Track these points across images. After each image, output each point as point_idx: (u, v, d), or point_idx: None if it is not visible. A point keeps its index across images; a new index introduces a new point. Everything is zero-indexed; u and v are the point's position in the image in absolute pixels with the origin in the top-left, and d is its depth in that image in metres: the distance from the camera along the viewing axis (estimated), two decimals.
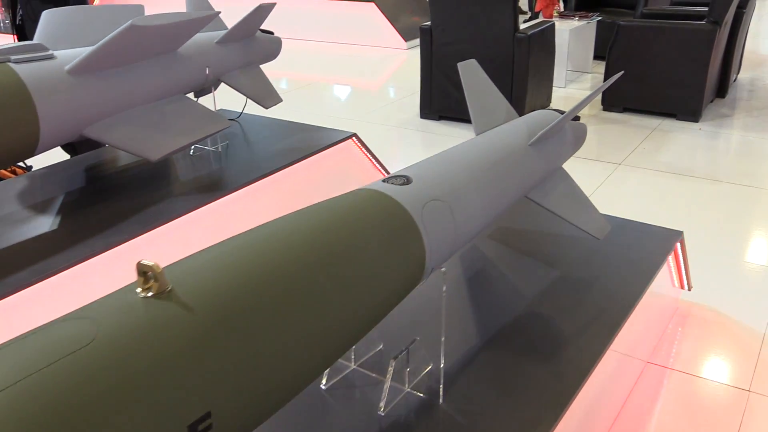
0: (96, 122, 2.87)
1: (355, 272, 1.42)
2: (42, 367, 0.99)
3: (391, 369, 1.73)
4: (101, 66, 2.83)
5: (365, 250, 1.46)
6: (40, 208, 2.94)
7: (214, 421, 1.12)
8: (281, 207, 3.49)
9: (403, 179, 1.70)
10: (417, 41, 8.49)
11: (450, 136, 5.38)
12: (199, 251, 1.35)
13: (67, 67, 2.75)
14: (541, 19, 6.95)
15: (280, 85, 7.08)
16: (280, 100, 3.68)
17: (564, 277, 2.33)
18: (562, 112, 2.38)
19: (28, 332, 1.10)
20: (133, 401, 1.03)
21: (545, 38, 5.51)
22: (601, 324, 2.09)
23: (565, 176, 2.34)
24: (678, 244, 2.69)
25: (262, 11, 3.50)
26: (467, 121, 5.65)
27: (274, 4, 3.57)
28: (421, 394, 1.79)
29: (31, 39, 2.95)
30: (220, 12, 3.23)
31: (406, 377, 1.79)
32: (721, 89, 6.26)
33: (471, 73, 2.35)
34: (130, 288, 1.18)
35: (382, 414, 1.72)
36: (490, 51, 5.29)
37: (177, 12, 3.13)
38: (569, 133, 2.36)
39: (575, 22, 6.75)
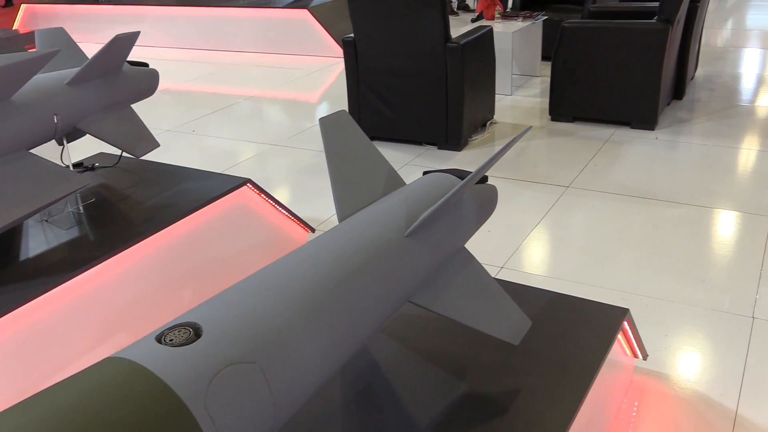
0: None
1: None
2: None
3: None
4: None
5: None
6: None
7: None
8: (165, 278, 2.95)
9: (188, 331, 1.14)
10: None
11: (385, 156, 4.82)
12: None
13: None
14: (482, 21, 6.43)
15: (203, 103, 6.47)
16: (156, 146, 3.09)
17: (478, 393, 1.79)
18: (461, 175, 1.84)
19: None
20: None
21: (482, 45, 4.96)
22: None
23: (466, 262, 1.78)
24: (625, 322, 2.16)
25: (122, 41, 2.92)
26: (401, 140, 5.13)
27: (136, 33, 2.99)
28: None
29: None
30: (59, 50, 2.64)
31: None
32: (678, 90, 5.78)
33: (337, 132, 1.78)
34: None
35: None
36: (420, 63, 4.74)
37: (15, 54, 2.54)
38: (470, 204, 1.81)
39: (519, 23, 6.23)
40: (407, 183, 1.88)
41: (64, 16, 9.87)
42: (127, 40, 2.94)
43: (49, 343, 2.49)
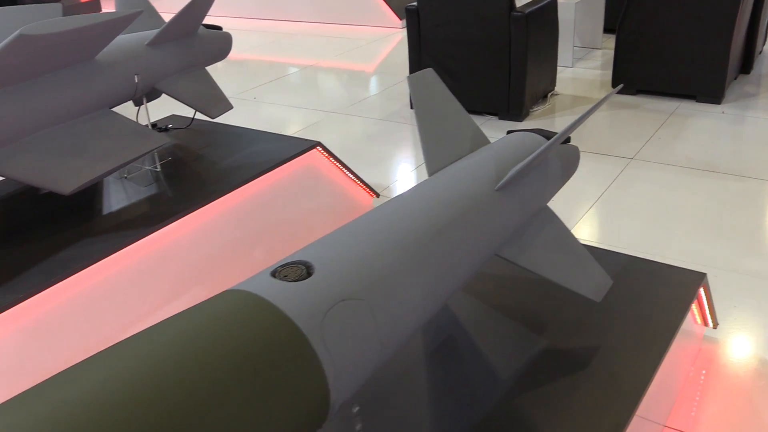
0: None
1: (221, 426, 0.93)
2: None
3: None
4: None
5: (218, 404, 0.96)
6: None
7: None
8: (237, 237, 3.03)
9: (299, 269, 1.20)
10: None
11: None
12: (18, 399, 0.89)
13: None
14: None
15: (263, 71, 6.55)
16: (230, 107, 3.17)
17: (556, 349, 1.82)
18: (547, 135, 1.86)
19: None
20: None
21: (546, 15, 4.93)
22: (612, 413, 1.60)
23: (549, 219, 1.81)
24: (701, 289, 2.17)
25: (199, 4, 2.98)
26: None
27: None
28: None
29: None
30: (141, 11, 2.71)
31: None
32: (746, 64, 5.65)
33: (423, 88, 1.81)
34: None
35: None
36: (484, 32, 4.73)
37: (88, 15, 2.62)
38: (555, 163, 1.83)
39: None
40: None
41: None
42: (204, 2, 3.01)
43: (131, 293, 2.60)
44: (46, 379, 0.97)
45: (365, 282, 1.22)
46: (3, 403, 0.88)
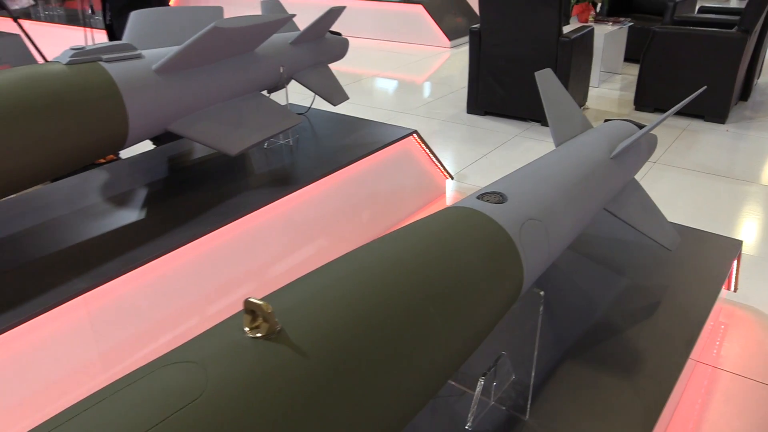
0: (180, 118, 2.65)
1: (461, 299, 1.18)
2: (151, 427, 0.78)
3: (480, 384, 1.50)
4: (185, 65, 2.61)
5: (469, 275, 1.22)
6: (127, 197, 2.75)
7: None
8: (350, 201, 3.28)
9: (498, 197, 1.45)
10: (460, 40, 8.18)
11: (495, 130, 5.08)
12: (300, 280, 1.12)
13: (154, 66, 2.53)
14: (578, 24, 6.58)
15: (339, 78, 6.80)
16: (347, 98, 3.43)
17: (635, 286, 2.07)
18: (637, 124, 2.11)
19: (131, 376, 0.88)
20: None
21: (585, 42, 5.16)
22: (677, 337, 1.83)
23: (638, 186, 2.06)
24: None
25: (333, 14, 3.24)
26: (510, 116, 5.36)
27: (343, 8, 3.31)
28: (506, 408, 1.56)
29: (119, 39, 2.72)
30: (294, 15, 2.98)
31: (492, 391, 1.56)
32: (745, 92, 5.85)
33: (547, 82, 2.07)
34: (235, 325, 0.96)
35: (469, 428, 1.50)
36: (535, 53, 4.96)
37: (255, 15, 2.89)
38: (644, 144, 2.08)
39: (609, 27, 6.36)
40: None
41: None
42: (337, 12, 3.26)
43: (279, 235, 2.85)
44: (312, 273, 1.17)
45: (541, 209, 1.48)
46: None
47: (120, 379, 0.87)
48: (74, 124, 2.23)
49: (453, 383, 1.62)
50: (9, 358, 1.96)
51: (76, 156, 2.30)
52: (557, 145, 1.95)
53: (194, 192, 2.78)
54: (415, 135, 3.49)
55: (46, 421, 0.80)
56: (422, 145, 3.57)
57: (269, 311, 0.92)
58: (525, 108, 5.20)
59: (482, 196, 1.45)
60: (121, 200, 2.71)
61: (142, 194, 2.77)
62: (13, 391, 1.98)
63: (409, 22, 8.27)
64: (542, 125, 5.17)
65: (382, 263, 1.13)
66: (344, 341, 0.97)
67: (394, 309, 1.06)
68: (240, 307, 2.77)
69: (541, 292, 1.45)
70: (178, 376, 0.85)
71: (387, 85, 6.72)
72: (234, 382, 0.85)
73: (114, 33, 3.95)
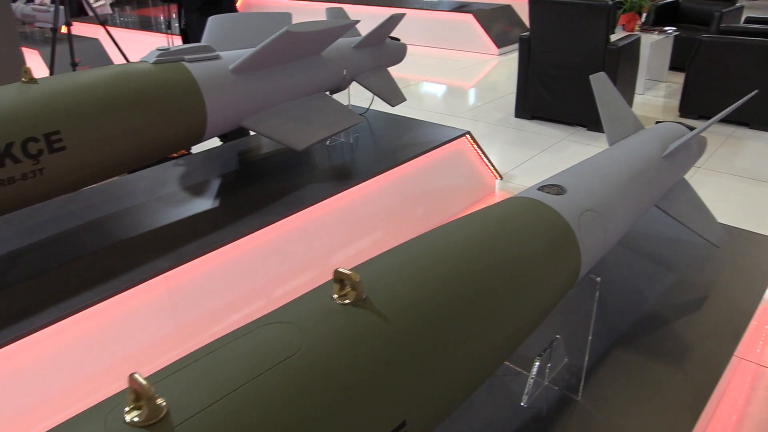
0: (252, 115, 2.75)
1: (525, 282, 1.23)
2: (256, 376, 0.85)
3: (536, 365, 1.53)
4: (259, 66, 2.70)
5: (532, 260, 1.26)
6: (202, 187, 2.86)
7: (408, 429, 0.96)
8: (404, 197, 3.33)
9: (557, 188, 1.49)
10: (508, 48, 8.16)
11: (542, 134, 5.08)
12: (381, 255, 1.18)
13: (230, 67, 2.63)
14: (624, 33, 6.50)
15: None
16: (404, 99, 3.49)
17: (682, 282, 2.07)
18: (687, 126, 2.11)
19: (235, 333, 0.96)
20: (336, 413, 0.87)
21: (632, 50, 5.11)
22: (723, 332, 1.84)
23: (688, 186, 2.07)
24: None
25: (393, 21, 3.31)
26: (557, 121, 5.34)
27: (404, 15, 3.37)
28: (559, 389, 1.59)
29: (192, 42, 2.83)
30: (358, 21, 3.05)
31: (546, 372, 1.60)
32: None
33: (601, 85, 2.09)
34: (325, 293, 1.03)
35: (525, 405, 1.54)
36: (583, 60, 4.94)
37: (323, 20, 2.97)
38: (694, 145, 2.08)
39: (655, 36, 6.27)
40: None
41: (274, 7, 10.49)
42: (397, 18, 3.33)
43: (329, 233, 2.93)
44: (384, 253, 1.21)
45: (598, 201, 1.51)
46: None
47: (225, 335, 0.95)
48: (159, 117, 2.34)
49: (508, 364, 1.65)
50: (100, 327, 2.08)
51: (160, 147, 2.41)
52: (610, 144, 1.97)
53: (262, 184, 2.88)
54: (467, 136, 3.53)
55: (164, 368, 0.88)
56: (474, 145, 3.60)
57: (357, 280, 0.98)
58: (571, 113, 5.18)
59: (542, 188, 1.49)
60: (196, 190, 2.82)
61: (215, 185, 2.88)
62: (103, 357, 2.10)
63: (459, 29, 8.29)
64: (588, 130, 5.14)
65: (455, 244, 1.18)
66: (422, 311, 1.02)
67: (467, 286, 1.11)
68: (298, 294, 2.85)
69: (598, 278, 1.49)
70: (277, 334, 0.92)
71: (436, 90, 6.76)
72: (326, 342, 0.92)
73: (188, 37, 4.10)
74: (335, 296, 1.00)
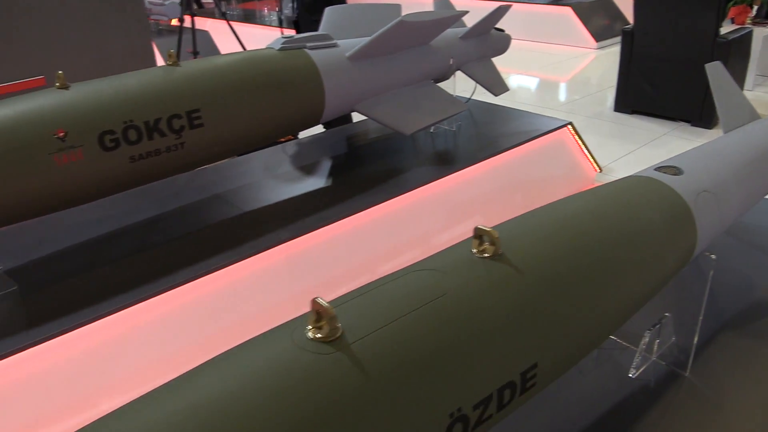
0: (365, 100, 2.91)
1: (643, 253, 1.30)
2: (411, 311, 0.98)
3: (645, 339, 1.60)
4: (374, 54, 2.85)
5: (651, 233, 1.34)
6: (312, 168, 3.05)
7: (538, 371, 1.07)
8: (504, 185, 3.41)
9: (674, 169, 1.55)
10: (606, 42, 8.01)
11: (642, 128, 5.00)
12: (515, 219, 1.29)
13: (347, 54, 2.80)
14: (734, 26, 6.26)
15: None
16: (508, 89, 3.56)
17: None
18: None
19: (387, 278, 1.09)
20: (478, 349, 0.99)
21: (743, 44, 4.95)
22: None
23: None
24: None
25: (500, 12, 3.38)
26: (659, 116, 5.24)
27: (510, 6, 3.44)
28: (666, 364, 1.65)
29: (304, 32, 2.98)
30: (467, 12, 3.15)
31: (654, 347, 1.66)
32: None
33: (717, 74, 2.11)
34: (465, 247, 1.15)
35: (633, 377, 1.61)
36: (689, 53, 4.82)
37: (433, 11, 3.08)
38: None
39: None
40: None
41: None
42: (504, 10, 3.40)
43: (431, 215, 3.05)
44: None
45: (714, 183, 1.56)
46: None
47: (379, 279, 1.08)
48: (284, 99, 2.54)
49: (614, 338, 1.72)
50: (230, 285, 2.29)
51: (283, 127, 2.61)
52: (725, 131, 1.99)
53: (368, 167, 3.03)
54: (569, 126, 3.56)
55: (332, 300, 1.02)
56: (575, 136, 3.63)
57: (496, 236, 1.10)
58: (675, 108, 5.07)
59: (659, 168, 1.55)
60: (308, 170, 3.01)
61: (325, 166, 3.06)
62: (236, 311, 2.31)
63: (557, 23, 8.21)
64: (692, 125, 5.02)
65: (580, 212, 1.28)
66: (551, 268, 1.13)
67: (591, 252, 1.20)
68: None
69: (713, 256, 1.53)
70: (426, 279, 1.04)
71: (530, 83, 6.75)
72: (469, 288, 1.04)
73: (300, 27, 4.32)
74: (474, 251, 1.11)
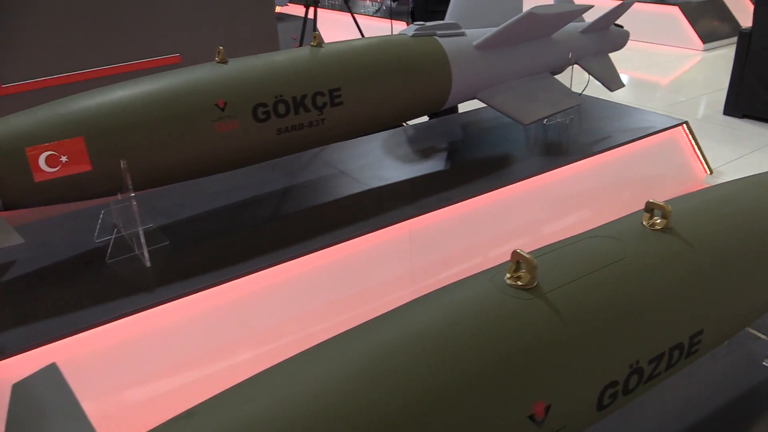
0: (486, 88, 3.01)
1: None
2: (595, 270, 1.08)
3: None
4: (499, 44, 2.94)
5: None
6: (431, 152, 3.17)
7: (703, 336, 1.15)
8: (613, 180, 3.42)
9: None
10: (714, 44, 7.77)
11: (754, 133, 4.87)
12: (680, 198, 1.38)
13: (474, 43, 2.90)
14: None
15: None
16: (623, 85, 3.57)
17: None
18: None
19: (565, 241, 1.20)
20: (654, 311, 1.08)
21: None
22: None
23: None
24: None
25: (622, 8, 3.40)
26: None
27: (633, 2, 3.45)
28: None
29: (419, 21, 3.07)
30: (592, 6, 3.19)
31: None
32: None
33: None
34: (635, 219, 1.24)
35: (766, 365, 1.65)
36: None
37: (560, 4, 3.14)
38: None
39: None
40: None
41: None
42: (626, 6, 3.42)
43: (538, 206, 3.11)
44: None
45: None
46: None
47: (558, 241, 1.19)
48: (415, 82, 2.67)
49: (749, 329, 1.77)
50: (353, 257, 2.45)
51: (412, 108, 2.74)
52: None
53: (481, 155, 3.13)
54: (684, 126, 3.54)
55: (539, 248, 1.13)
56: (689, 136, 3.60)
57: (669, 210, 1.19)
58: None
59: None
60: (427, 153, 3.14)
61: (441, 152, 3.18)
62: (359, 281, 2.47)
63: (663, 22, 8.01)
64: None
65: (742, 195, 1.35)
66: (720, 243, 1.20)
67: (756, 232, 1.27)
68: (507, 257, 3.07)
69: None
70: (605, 244, 1.15)
71: (635, 83, 6.64)
72: (645, 255, 1.13)
73: (414, 17, 4.45)
74: (645, 223, 1.21)
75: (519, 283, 1.02)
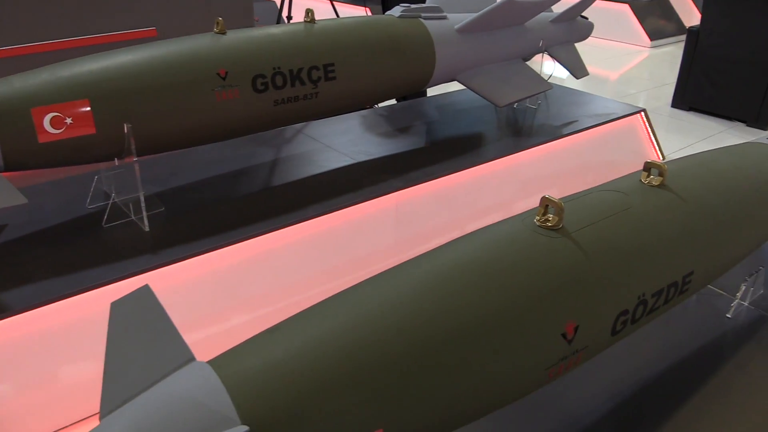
0: (466, 71, 3.17)
1: (763, 208, 1.56)
2: (607, 216, 1.25)
3: (743, 287, 1.86)
4: (479, 28, 3.10)
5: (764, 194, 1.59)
6: (408, 130, 3.31)
7: (693, 277, 1.33)
8: (577, 162, 3.64)
9: None
10: (660, 41, 8.18)
11: (699, 125, 5.22)
12: (674, 161, 1.56)
13: (456, 27, 3.05)
14: None
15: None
16: (588, 74, 3.80)
17: None
18: None
19: (581, 192, 1.36)
20: (657, 252, 1.26)
21: None
22: None
23: None
24: None
25: (585, 2, 3.62)
26: (715, 114, 5.45)
27: None
28: (760, 309, 1.91)
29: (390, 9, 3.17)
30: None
31: (748, 295, 1.92)
32: None
33: None
34: (636, 177, 1.42)
35: (730, 317, 1.87)
36: (756, 55, 5.01)
37: None
38: None
39: None
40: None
41: None
42: (586, 3, 3.64)
43: (508, 185, 3.30)
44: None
45: None
46: None
47: (574, 194, 1.35)
48: (402, 61, 2.80)
49: (711, 287, 1.99)
50: (345, 226, 2.57)
51: (397, 86, 2.87)
52: None
53: (458, 132, 3.29)
54: (642, 114, 3.80)
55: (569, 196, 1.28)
56: (646, 124, 3.86)
57: (665, 168, 1.37)
58: (732, 107, 5.28)
59: None
60: (404, 131, 3.28)
61: (421, 130, 3.32)
62: (356, 248, 2.59)
63: (612, 19, 8.38)
64: (747, 125, 5.23)
65: (716, 167, 1.54)
66: (708, 200, 1.39)
67: (736, 191, 1.47)
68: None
69: None
70: (613, 196, 1.32)
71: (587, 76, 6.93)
72: (646, 205, 1.31)
73: (386, 4, 4.57)
74: (644, 180, 1.39)
75: (548, 224, 1.17)
